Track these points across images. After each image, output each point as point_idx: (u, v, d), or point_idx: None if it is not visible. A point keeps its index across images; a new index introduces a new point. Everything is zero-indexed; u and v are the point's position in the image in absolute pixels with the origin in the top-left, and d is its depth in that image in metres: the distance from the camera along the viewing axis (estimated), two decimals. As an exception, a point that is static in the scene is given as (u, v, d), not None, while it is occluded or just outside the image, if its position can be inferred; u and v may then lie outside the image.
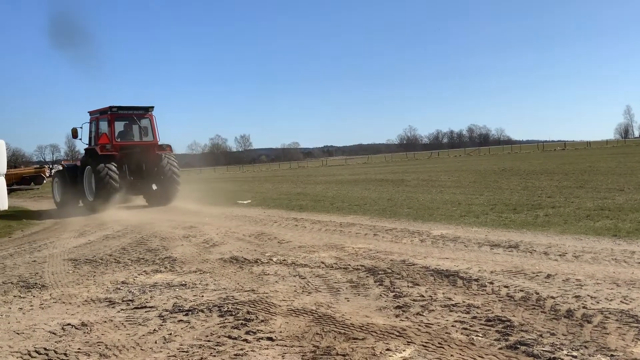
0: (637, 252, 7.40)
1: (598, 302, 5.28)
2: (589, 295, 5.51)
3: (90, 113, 20.02)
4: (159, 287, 6.83)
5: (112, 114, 18.65)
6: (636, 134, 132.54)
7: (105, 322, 5.42)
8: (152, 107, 19.67)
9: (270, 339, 4.69)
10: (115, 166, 17.62)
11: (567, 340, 4.36)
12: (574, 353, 4.09)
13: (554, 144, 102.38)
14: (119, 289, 6.84)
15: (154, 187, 18.82)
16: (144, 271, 7.83)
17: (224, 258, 8.49)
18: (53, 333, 5.19)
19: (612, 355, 4.00)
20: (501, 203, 13.73)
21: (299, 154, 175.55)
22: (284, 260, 8.10)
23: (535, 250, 7.90)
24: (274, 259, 8.19)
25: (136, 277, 7.49)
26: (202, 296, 6.27)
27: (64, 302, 6.34)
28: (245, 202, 19.35)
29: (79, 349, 4.70)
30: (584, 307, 5.13)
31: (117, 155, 18.18)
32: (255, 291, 6.36)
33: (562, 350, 4.16)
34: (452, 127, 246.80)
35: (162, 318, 5.45)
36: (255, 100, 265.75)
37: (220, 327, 5.11)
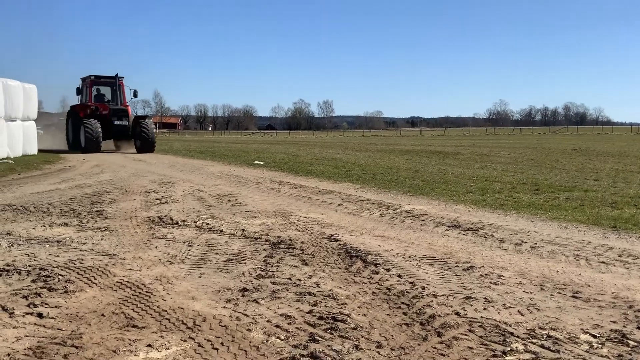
0: (614, 249, 5.89)
1: (485, 309, 3.98)
2: (485, 298, 4.22)
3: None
4: (34, 241, 6.16)
5: None
6: None
7: None
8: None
9: (54, 315, 3.82)
10: None
11: (384, 357, 3.17)
12: (366, 378, 2.89)
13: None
14: None
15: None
16: (52, 223, 7.24)
17: (151, 217, 7.73)
18: None
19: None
20: (532, 182, 12.23)
21: (382, 123, 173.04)
22: (207, 224, 7.24)
23: (492, 236, 6.55)
24: (198, 222, 7.34)
25: (33, 228, 6.89)
26: (57, 256, 5.50)
27: None
28: (261, 162, 18.67)
29: None
30: (456, 314, 3.86)
31: None
32: (117, 256, 5.51)
33: (357, 372, 2.97)
34: (547, 104, 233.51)
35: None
36: (340, 66, 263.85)
37: (13, 293, 4.28)
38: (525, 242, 6.21)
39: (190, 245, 6.00)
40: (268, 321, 3.71)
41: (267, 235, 6.57)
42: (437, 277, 4.81)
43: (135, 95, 27.82)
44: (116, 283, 4.61)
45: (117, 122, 25.92)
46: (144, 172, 15.37)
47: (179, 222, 7.36)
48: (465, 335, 3.49)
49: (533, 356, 3.17)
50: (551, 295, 4.34)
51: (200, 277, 4.83)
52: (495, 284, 4.62)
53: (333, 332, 3.52)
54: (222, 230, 6.86)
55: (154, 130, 26.19)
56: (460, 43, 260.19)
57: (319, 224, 7.32)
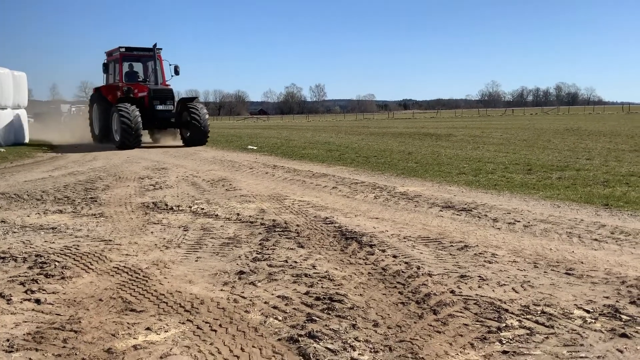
0: (607, 226, 5.94)
1: (480, 287, 4.03)
2: (479, 277, 4.26)
3: None
4: (29, 228, 6.15)
5: None
6: None
7: None
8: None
9: (51, 301, 3.83)
10: None
11: (380, 335, 3.20)
12: (364, 357, 2.93)
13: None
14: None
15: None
16: (47, 210, 7.22)
17: (146, 203, 7.72)
18: None
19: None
20: (524, 163, 12.29)
21: (374, 106, 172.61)
22: (202, 209, 7.25)
23: (486, 216, 6.59)
24: (193, 208, 7.35)
25: (28, 216, 6.88)
26: (53, 242, 5.50)
27: None
28: (254, 147, 18.64)
29: None
30: (451, 292, 3.90)
31: None
32: (113, 241, 5.51)
33: (355, 350, 3.01)
34: (538, 84, 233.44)
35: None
36: (332, 50, 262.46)
37: (9, 280, 4.29)
38: (519, 221, 6.26)
39: (185, 230, 6.01)
40: (265, 303, 3.74)
41: (262, 219, 6.59)
42: (432, 257, 4.85)
43: (176, 72, 20.86)
44: (113, 268, 4.62)
45: (159, 107, 19.17)
46: (137, 158, 15.32)
47: (174, 208, 7.36)
48: (461, 312, 3.53)
49: (527, 332, 3.21)
50: (545, 272, 4.39)
51: (196, 261, 4.85)
52: (490, 263, 4.67)
53: (330, 312, 3.55)
54: (217, 215, 6.87)
55: (207, 115, 19.60)
56: (451, 25, 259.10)
57: (313, 207, 7.33)
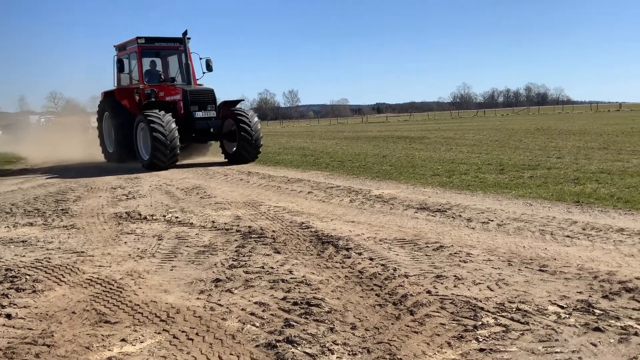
0: (578, 223, 6.04)
1: (456, 286, 4.05)
2: (455, 276, 4.29)
3: None
4: (-3, 243, 5.99)
5: None
6: None
7: None
8: None
9: (23, 316, 3.73)
10: None
11: (358, 338, 3.19)
12: None
13: (609, 105, 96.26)
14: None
15: None
16: (17, 224, 7.08)
17: (119, 213, 7.61)
18: None
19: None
20: (496, 163, 12.44)
21: (348, 111, 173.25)
22: (176, 218, 7.18)
23: (460, 216, 6.65)
24: (167, 216, 7.27)
25: (-4, 230, 6.70)
26: (23, 256, 5.39)
27: None
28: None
29: None
30: (427, 293, 3.92)
31: None
32: (85, 253, 5.42)
33: (333, 354, 3.00)
34: (508, 85, 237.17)
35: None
36: (305, 55, 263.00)
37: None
38: (492, 221, 6.33)
39: (160, 240, 5.94)
40: (242, 309, 3.71)
41: (238, 225, 6.55)
42: (407, 258, 4.87)
43: (209, 68, 15.89)
44: (86, 280, 4.55)
45: (198, 114, 14.49)
46: (108, 168, 15.11)
47: (148, 217, 7.27)
48: (437, 312, 3.56)
49: (503, 329, 3.24)
50: (519, 270, 4.44)
51: (171, 270, 4.79)
52: (465, 262, 4.71)
53: (308, 316, 3.54)
54: (192, 223, 6.81)
55: (259, 125, 15.19)
56: (422, 29, 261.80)
57: (289, 213, 7.32)
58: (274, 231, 6.15)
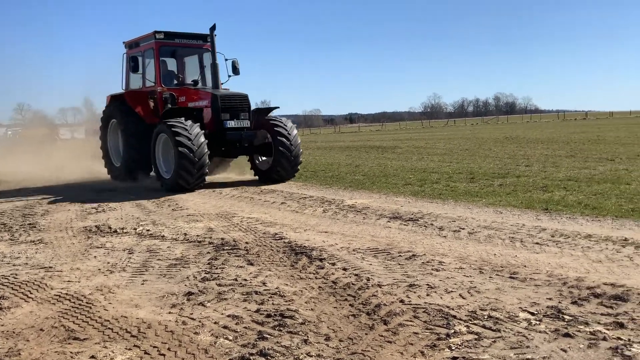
0: (547, 230, 6.14)
1: (428, 295, 4.08)
2: (427, 285, 4.31)
3: None
4: (-39, 259, 5.81)
5: None
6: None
7: None
8: None
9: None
10: None
11: (332, 349, 3.19)
12: (317, 371, 2.91)
13: (575, 114, 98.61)
14: None
15: None
16: (-18, 240, 6.84)
17: (88, 227, 7.47)
18: None
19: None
20: (467, 171, 12.60)
21: (320, 121, 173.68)
22: (147, 230, 7.08)
23: (432, 225, 6.70)
24: (138, 229, 7.16)
25: (-39, 246, 6.50)
26: (-12, 272, 5.23)
27: None
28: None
29: None
30: (400, 302, 3.93)
31: None
32: (54, 268, 5.30)
33: (307, 365, 2.98)
34: (478, 95, 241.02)
35: None
36: (277, 66, 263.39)
37: None
38: (464, 229, 6.40)
39: (130, 253, 5.85)
40: (215, 323, 3.67)
41: (211, 237, 6.50)
42: (381, 268, 4.89)
43: (235, 71, 13.37)
44: (54, 296, 4.45)
45: (230, 124, 11.96)
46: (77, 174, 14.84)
47: (118, 230, 7.16)
48: (410, 321, 3.57)
49: (475, 337, 3.27)
50: (490, 277, 4.49)
51: (142, 284, 4.72)
52: (437, 270, 4.74)
53: (281, 328, 3.52)
54: (163, 236, 6.73)
55: (298, 137, 12.57)
56: (393, 39, 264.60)
57: (262, 224, 7.29)
58: (247, 243, 6.12)
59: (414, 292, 4.15)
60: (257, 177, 12.95)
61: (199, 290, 4.41)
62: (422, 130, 66.65)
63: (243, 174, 14.20)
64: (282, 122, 12.31)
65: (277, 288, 4.39)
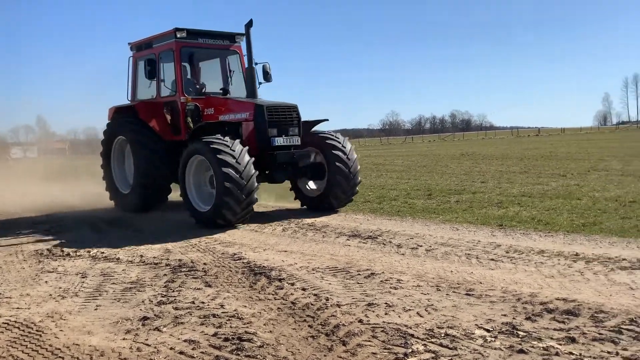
0: (502, 246, 6.27)
1: (387, 314, 4.09)
2: (386, 303, 4.33)
3: None
4: None
5: None
6: (614, 121, 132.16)
7: None
8: None
9: None
10: None
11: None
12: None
13: (528, 130, 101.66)
14: None
15: None
16: None
17: (39, 250, 7.24)
18: None
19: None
20: (425, 188, 12.77)
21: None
22: (102, 253, 6.94)
23: (391, 242, 6.76)
24: (92, 252, 7.02)
25: None
26: None
27: None
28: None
29: None
30: (359, 322, 3.93)
31: None
32: (2, 295, 5.12)
33: (265, 390, 2.93)
34: (434, 112, 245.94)
35: None
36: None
37: None
38: (421, 246, 6.48)
39: (84, 277, 5.70)
40: (171, 348, 3.60)
41: (168, 259, 6.39)
42: (340, 287, 4.89)
43: (267, 77, 11.12)
44: (2, 324, 4.28)
45: (279, 141, 9.60)
46: (30, 195, 14.37)
47: (71, 253, 6.96)
48: (369, 341, 3.58)
49: (433, 355, 3.30)
50: (447, 294, 4.55)
51: (96, 309, 4.59)
52: (395, 289, 4.77)
53: (239, 352, 3.48)
54: (118, 258, 6.58)
55: (354, 150, 10.31)
56: (351, 58, 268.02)
57: (221, 244, 7.22)
58: (205, 264, 6.04)
59: (373, 312, 4.16)
60: (304, 206, 10.47)
61: (154, 315, 4.32)
62: (380, 147, 67.37)
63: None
64: (334, 136, 10.10)
65: (235, 310, 4.34)
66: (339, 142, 9.92)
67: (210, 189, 8.86)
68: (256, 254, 6.43)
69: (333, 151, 9.69)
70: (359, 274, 5.32)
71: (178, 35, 10.35)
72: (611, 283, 4.63)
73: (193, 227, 8.53)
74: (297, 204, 10.57)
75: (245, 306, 4.47)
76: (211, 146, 8.40)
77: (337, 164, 9.61)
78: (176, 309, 4.46)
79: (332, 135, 10.07)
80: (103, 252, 6.91)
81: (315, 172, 10.01)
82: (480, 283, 4.82)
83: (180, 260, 6.26)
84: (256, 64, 10.37)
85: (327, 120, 10.94)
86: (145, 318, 4.24)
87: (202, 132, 9.17)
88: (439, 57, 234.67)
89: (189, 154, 8.94)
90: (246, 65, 10.10)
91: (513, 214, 8.37)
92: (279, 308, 4.38)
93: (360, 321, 3.95)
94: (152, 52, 10.87)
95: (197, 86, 10.79)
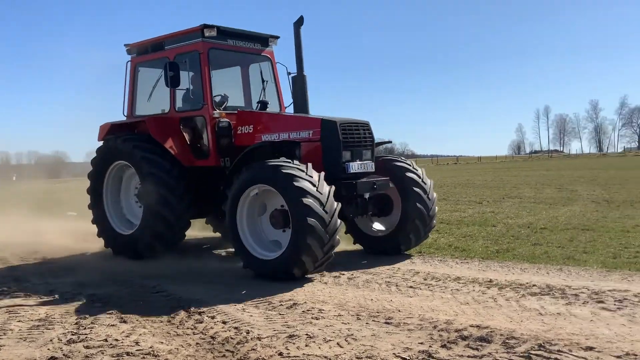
0: (420, 273, 6.44)
1: (307, 345, 4.09)
2: (307, 334, 4.34)
3: None
4: None
5: None
6: (527, 150, 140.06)
7: None
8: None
9: None
10: None
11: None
12: None
13: (447, 159, 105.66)
14: None
15: None
16: None
17: None
18: None
19: None
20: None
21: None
22: (8, 288, 6.54)
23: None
24: (-2, 287, 6.52)
25: None
26: None
27: None
28: (74, 213, 17.29)
29: None
30: (279, 355, 3.91)
31: None
32: None
33: None
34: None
35: None
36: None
37: None
38: (343, 274, 6.55)
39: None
40: (80, 391, 3.41)
41: (81, 293, 6.10)
42: (261, 319, 4.84)
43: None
44: None
45: (354, 167, 7.34)
46: None
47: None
48: (287, 374, 3.54)
49: (351, 386, 3.31)
50: (367, 323, 4.60)
51: (-1, 350, 4.30)
52: (317, 319, 4.78)
53: (153, 392, 3.35)
54: (27, 294, 6.21)
55: (432, 184, 8.26)
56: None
57: (140, 276, 6.98)
58: (120, 298, 5.82)
59: (294, 344, 4.14)
60: (368, 248, 8.28)
61: (63, 355, 4.10)
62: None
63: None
64: (412, 165, 8.18)
65: (151, 347, 4.20)
66: (419, 176, 7.99)
67: (268, 229, 6.87)
68: (176, 286, 6.27)
69: (414, 187, 7.80)
70: (281, 305, 5.30)
71: (206, 34, 8.34)
72: (522, 309, 4.84)
73: (110, 262, 8.19)
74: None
75: (162, 342, 4.34)
76: (283, 171, 6.40)
77: (418, 204, 7.73)
78: (87, 347, 4.27)
79: (411, 166, 8.13)
80: (10, 288, 6.52)
81: (385, 205, 7.98)
82: (399, 311, 4.91)
83: (94, 294, 6.01)
84: (289, 74, 8.89)
85: (390, 142, 8.64)
86: (53, 358, 4.03)
87: (260, 155, 7.26)
88: (358, 84, 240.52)
89: (245, 184, 6.77)
90: (292, 73, 8.39)
91: (431, 241, 8.62)
92: (197, 343, 4.29)
93: (281, 354, 3.92)
94: (165, 55, 8.67)
95: (218, 98, 8.42)
